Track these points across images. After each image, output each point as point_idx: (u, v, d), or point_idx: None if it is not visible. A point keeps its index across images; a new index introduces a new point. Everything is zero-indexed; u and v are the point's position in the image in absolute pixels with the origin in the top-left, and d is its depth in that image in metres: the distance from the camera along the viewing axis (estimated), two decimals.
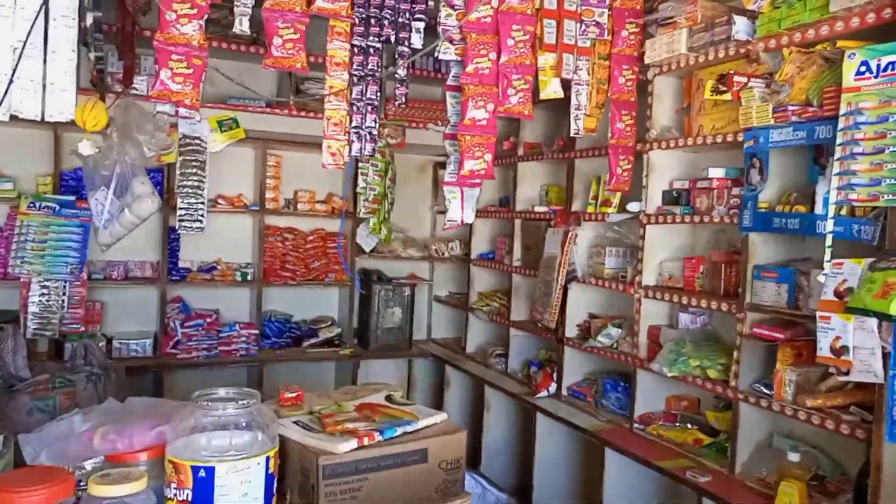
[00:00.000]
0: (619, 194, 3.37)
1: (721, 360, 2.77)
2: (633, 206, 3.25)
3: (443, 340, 5.35)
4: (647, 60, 3.03)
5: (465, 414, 4.61)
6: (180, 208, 3.80)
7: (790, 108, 2.38)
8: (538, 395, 3.77)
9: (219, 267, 4.62)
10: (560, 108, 3.42)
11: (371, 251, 4.98)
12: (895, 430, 1.93)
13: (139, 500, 1.23)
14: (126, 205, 3.05)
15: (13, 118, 2.07)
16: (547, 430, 3.67)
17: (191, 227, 3.79)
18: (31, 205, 3.80)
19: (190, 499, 1.28)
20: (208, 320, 4.40)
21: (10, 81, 2.02)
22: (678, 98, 3.15)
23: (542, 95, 2.87)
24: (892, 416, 1.93)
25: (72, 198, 3.89)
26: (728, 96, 2.62)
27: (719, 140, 2.76)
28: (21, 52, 2.02)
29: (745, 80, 2.53)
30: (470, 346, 4.83)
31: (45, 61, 2.10)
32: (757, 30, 2.55)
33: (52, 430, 1.50)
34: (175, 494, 1.29)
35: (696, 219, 2.90)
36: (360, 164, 4.63)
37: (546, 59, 2.85)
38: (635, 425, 3.17)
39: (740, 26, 2.61)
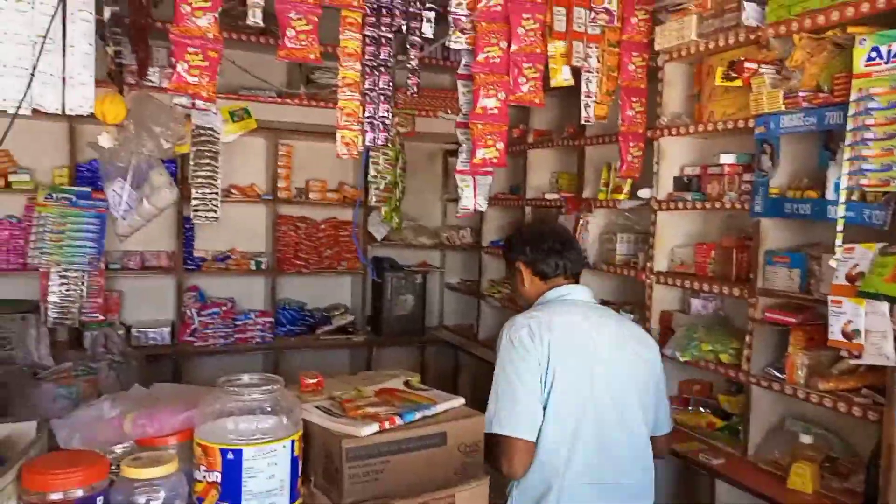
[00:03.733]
0: (629, 181, 3.38)
1: (733, 344, 2.80)
2: (644, 193, 3.27)
3: (454, 327, 5.40)
4: (657, 47, 3.04)
5: (477, 399, 4.64)
6: (195, 198, 3.83)
7: (801, 93, 2.38)
8: None
9: (233, 256, 4.68)
10: (570, 95, 3.43)
11: (382, 239, 5.02)
12: None
13: (170, 482, 1.29)
14: (144, 195, 3.10)
15: (34, 112, 2.11)
16: None
17: (206, 217, 3.82)
18: (49, 196, 3.85)
19: (219, 480, 1.33)
20: (224, 308, 4.47)
21: (32, 76, 2.05)
22: (689, 84, 3.15)
23: (553, 83, 2.87)
24: None
25: (88, 189, 3.93)
26: (739, 83, 2.63)
27: (730, 126, 2.77)
28: (42, 47, 2.06)
29: (755, 66, 2.54)
30: (482, 333, 4.87)
31: (63, 55, 2.13)
32: (767, 16, 2.55)
33: (82, 415, 1.55)
34: (205, 476, 1.34)
35: (708, 205, 2.92)
36: (370, 153, 4.65)
37: (556, 47, 2.85)
38: None
39: (750, 12, 2.61)
